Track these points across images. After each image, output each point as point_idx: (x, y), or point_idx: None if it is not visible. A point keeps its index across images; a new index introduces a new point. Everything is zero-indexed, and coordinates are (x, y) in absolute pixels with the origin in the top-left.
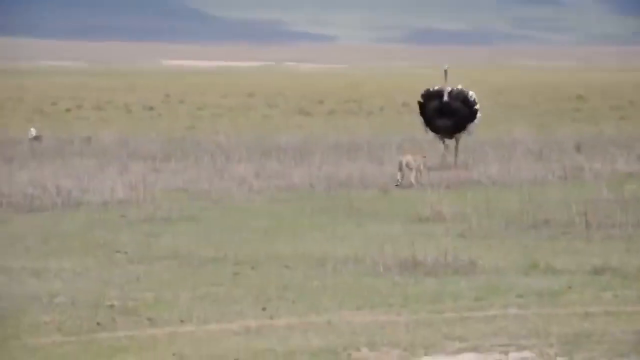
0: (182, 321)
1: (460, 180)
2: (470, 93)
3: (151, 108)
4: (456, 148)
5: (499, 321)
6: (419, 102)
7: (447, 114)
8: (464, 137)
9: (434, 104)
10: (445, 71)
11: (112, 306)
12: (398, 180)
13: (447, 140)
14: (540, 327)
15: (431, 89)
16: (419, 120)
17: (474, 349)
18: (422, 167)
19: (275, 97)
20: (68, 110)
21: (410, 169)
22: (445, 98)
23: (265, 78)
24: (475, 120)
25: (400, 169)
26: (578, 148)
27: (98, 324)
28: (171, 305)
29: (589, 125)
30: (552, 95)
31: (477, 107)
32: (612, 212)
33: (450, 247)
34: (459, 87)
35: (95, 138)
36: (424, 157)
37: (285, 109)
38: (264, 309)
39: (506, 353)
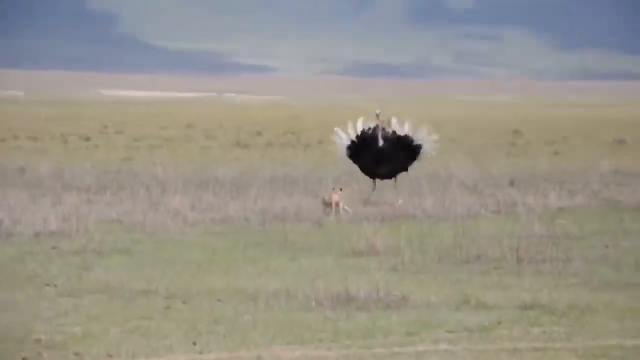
0: (110, 355)
1: (395, 213)
2: (408, 130)
3: (88, 139)
4: (395, 186)
5: (429, 357)
6: (348, 147)
7: (385, 160)
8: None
9: (368, 151)
10: (377, 114)
11: (39, 340)
12: (326, 214)
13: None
14: None
15: (360, 133)
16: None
17: None
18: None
19: (214, 128)
20: (3, 140)
21: (338, 205)
22: (380, 144)
23: (205, 109)
24: (421, 155)
25: (326, 206)
26: (512, 182)
27: (24, 359)
28: (100, 339)
29: (524, 159)
30: (489, 130)
31: (419, 142)
32: (543, 247)
33: (383, 281)
34: (391, 126)
35: (30, 168)
36: (341, 189)
37: (223, 140)
38: (194, 343)
39: None
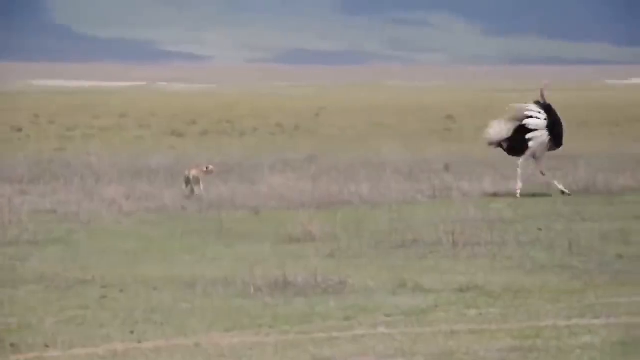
0: (46, 346)
1: (331, 200)
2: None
3: (19, 129)
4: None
5: (367, 341)
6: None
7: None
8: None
9: (556, 122)
10: (542, 89)
11: None
12: (187, 193)
13: None
14: (407, 346)
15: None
16: (289, 141)
17: None
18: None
19: (148, 117)
20: None
21: (198, 182)
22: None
23: (138, 98)
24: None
25: (187, 183)
26: (447, 168)
27: None
28: (36, 330)
29: (458, 145)
30: (422, 115)
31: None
32: (478, 231)
33: (320, 267)
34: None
35: None
36: (208, 168)
37: (157, 129)
38: (131, 332)
39: None
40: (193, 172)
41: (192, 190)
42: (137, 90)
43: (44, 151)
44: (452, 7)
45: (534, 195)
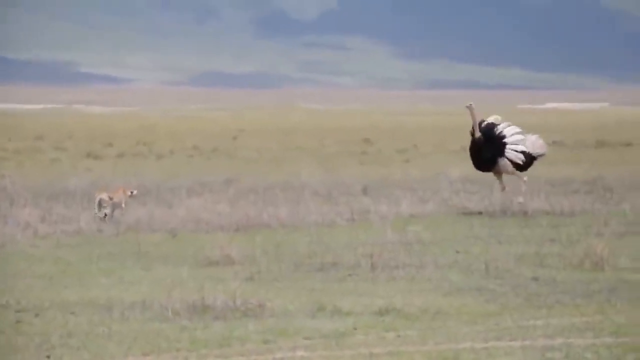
0: None
1: (250, 223)
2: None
3: None
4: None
5: None
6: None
7: (480, 151)
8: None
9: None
10: (469, 107)
11: None
12: (98, 216)
13: None
14: None
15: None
16: (206, 164)
17: None
18: (123, 203)
19: (64, 140)
20: None
21: (105, 205)
22: (477, 134)
23: (54, 120)
24: (509, 157)
25: (100, 206)
26: (365, 191)
27: None
28: None
29: (376, 168)
30: (339, 138)
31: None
32: (396, 254)
33: (239, 290)
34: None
35: None
36: (132, 193)
37: (74, 152)
38: (47, 357)
39: None
40: (102, 195)
41: (105, 215)
42: (54, 112)
43: None
44: (367, 31)
45: (450, 218)
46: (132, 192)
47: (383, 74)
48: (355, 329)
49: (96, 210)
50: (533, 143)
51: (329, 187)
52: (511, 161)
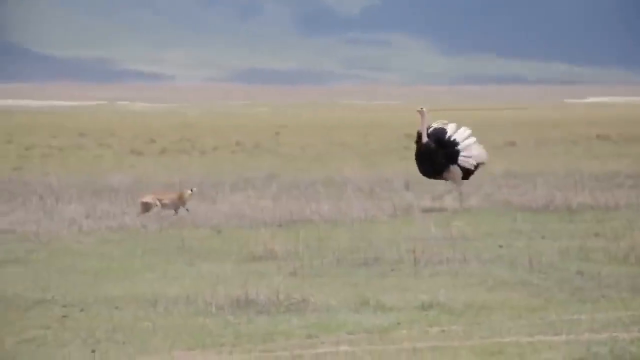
0: None
1: (293, 218)
2: (450, 130)
3: None
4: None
5: (330, 358)
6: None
7: (427, 157)
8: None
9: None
10: (420, 111)
11: None
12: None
13: None
14: None
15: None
16: (249, 160)
17: None
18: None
19: (107, 137)
20: None
21: (149, 208)
22: (424, 139)
23: (97, 117)
24: (460, 164)
25: (147, 209)
26: (407, 186)
27: None
28: None
29: None
30: (382, 134)
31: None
32: (439, 249)
33: (282, 285)
34: (442, 124)
35: None
36: (192, 190)
37: (117, 148)
38: (93, 351)
39: None
40: (151, 198)
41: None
42: (97, 109)
43: (1, 170)
44: (410, 26)
45: (493, 212)
46: (191, 190)
47: (425, 70)
48: (398, 323)
49: (149, 212)
50: (480, 152)
51: (372, 182)
52: (462, 168)
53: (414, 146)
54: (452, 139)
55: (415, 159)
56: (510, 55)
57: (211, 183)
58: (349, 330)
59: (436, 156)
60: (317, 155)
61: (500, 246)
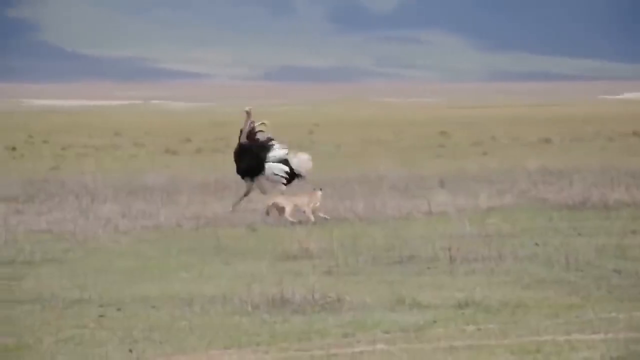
0: None
1: (327, 216)
2: (274, 142)
3: (13, 148)
4: (246, 193)
5: (366, 357)
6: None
7: (240, 157)
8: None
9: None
10: (247, 112)
11: None
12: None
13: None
14: None
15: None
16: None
17: None
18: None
19: (142, 136)
20: None
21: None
22: (242, 140)
23: (132, 117)
24: (271, 171)
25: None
26: (442, 183)
27: None
28: (34, 350)
29: (453, 160)
30: (416, 131)
31: (271, 155)
32: (475, 247)
33: (318, 284)
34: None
35: None
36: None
37: (152, 148)
38: (130, 350)
39: None
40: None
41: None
42: (132, 108)
43: (38, 170)
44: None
45: (528, 210)
46: (320, 190)
47: (459, 67)
48: (434, 322)
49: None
50: (300, 162)
51: (406, 180)
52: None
53: (448, 144)
54: (269, 143)
55: (234, 158)
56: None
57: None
58: (384, 329)
59: (250, 157)
60: (351, 153)
61: (537, 244)
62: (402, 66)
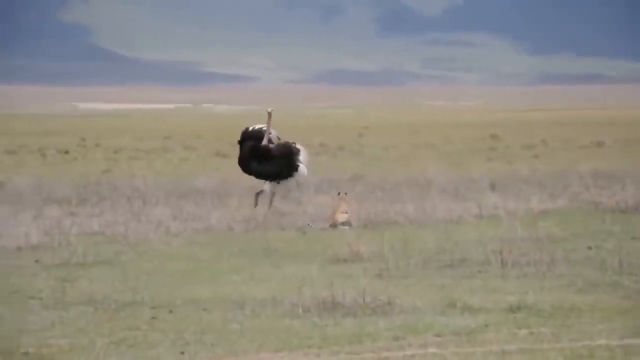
0: None
1: (377, 219)
2: (296, 145)
3: (66, 152)
4: (273, 193)
5: None
6: (239, 142)
7: (263, 160)
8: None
9: (249, 144)
10: (269, 113)
11: (26, 354)
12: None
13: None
14: None
15: (250, 129)
16: (332, 161)
17: None
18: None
19: (193, 139)
20: None
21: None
22: (264, 142)
23: (182, 120)
24: (299, 171)
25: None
26: (492, 187)
27: None
28: (87, 351)
29: (503, 164)
30: (465, 135)
31: (299, 159)
32: (526, 250)
33: (368, 287)
34: (276, 133)
35: (9, 183)
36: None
37: (202, 151)
38: (182, 352)
39: None
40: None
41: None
42: (182, 112)
43: (91, 173)
44: (491, 26)
45: (581, 213)
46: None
47: (508, 70)
48: (486, 325)
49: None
50: (304, 156)
51: (456, 183)
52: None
53: (498, 147)
54: (295, 147)
55: (251, 159)
56: (593, 54)
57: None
58: (435, 332)
59: (279, 161)
60: (400, 156)
61: (590, 247)
62: (450, 69)
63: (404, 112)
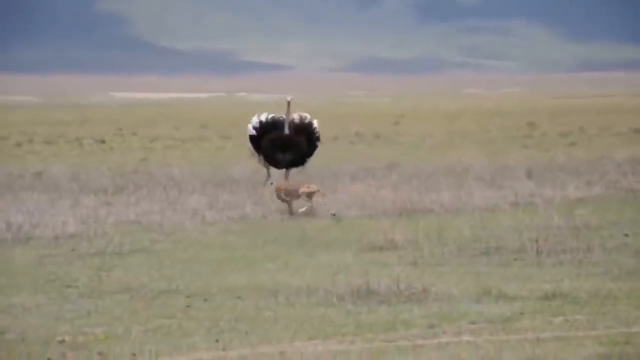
0: (133, 355)
1: (413, 207)
2: (314, 122)
3: (103, 141)
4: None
5: (452, 348)
6: (251, 136)
7: (287, 148)
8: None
9: (272, 136)
10: (288, 102)
11: (62, 341)
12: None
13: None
14: (493, 353)
15: (264, 120)
16: (368, 149)
17: None
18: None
19: (228, 128)
20: (19, 144)
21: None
22: (286, 131)
23: (218, 109)
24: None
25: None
26: (529, 174)
27: (48, 359)
28: (123, 339)
29: (540, 151)
30: (502, 122)
31: (318, 137)
32: (562, 238)
33: (403, 275)
34: (303, 115)
35: (47, 172)
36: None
37: (238, 140)
38: (216, 340)
39: None
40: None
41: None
42: (217, 101)
43: (127, 162)
44: (529, 13)
45: (618, 201)
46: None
47: (546, 57)
48: (521, 313)
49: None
50: None
51: (492, 171)
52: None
53: (535, 134)
54: (316, 131)
55: (268, 149)
56: (634, 41)
57: (331, 173)
58: (470, 320)
59: (301, 149)
60: (436, 145)
61: (626, 235)
62: (488, 57)
63: (441, 101)
